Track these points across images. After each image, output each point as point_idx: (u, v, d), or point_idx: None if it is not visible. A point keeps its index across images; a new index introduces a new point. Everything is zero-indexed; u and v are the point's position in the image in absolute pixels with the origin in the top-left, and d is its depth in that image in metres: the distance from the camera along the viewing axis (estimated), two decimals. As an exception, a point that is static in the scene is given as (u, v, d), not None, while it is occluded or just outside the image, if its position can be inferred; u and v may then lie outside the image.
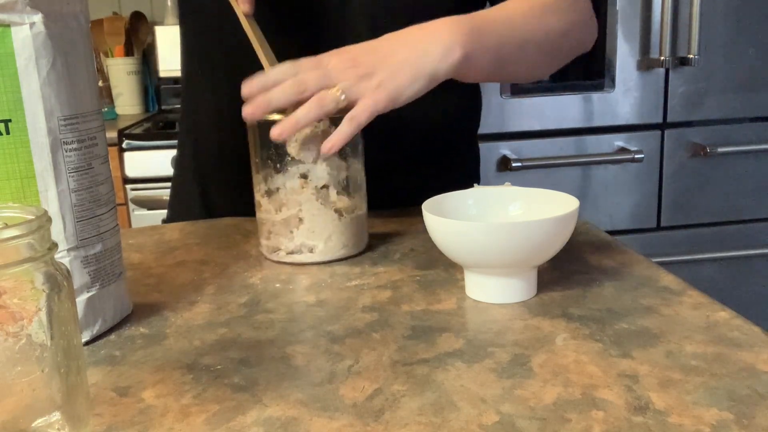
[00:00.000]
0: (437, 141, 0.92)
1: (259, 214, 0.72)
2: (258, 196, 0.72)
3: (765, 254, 1.77)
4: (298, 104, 0.64)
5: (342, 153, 0.69)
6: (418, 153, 0.90)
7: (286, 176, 0.69)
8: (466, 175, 0.96)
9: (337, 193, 0.70)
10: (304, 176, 0.69)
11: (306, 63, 0.66)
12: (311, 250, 0.70)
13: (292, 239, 0.70)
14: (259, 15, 0.74)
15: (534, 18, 0.74)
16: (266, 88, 0.65)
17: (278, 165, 0.69)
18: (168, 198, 1.04)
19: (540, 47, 0.75)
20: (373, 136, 0.72)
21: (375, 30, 0.70)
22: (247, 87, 0.66)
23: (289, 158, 0.68)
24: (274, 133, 0.64)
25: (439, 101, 0.76)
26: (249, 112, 0.65)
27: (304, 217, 0.69)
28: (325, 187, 0.69)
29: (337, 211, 0.70)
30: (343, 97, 0.64)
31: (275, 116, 0.66)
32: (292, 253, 0.70)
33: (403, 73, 0.65)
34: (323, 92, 0.64)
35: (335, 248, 0.70)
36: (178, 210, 0.99)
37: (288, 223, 0.70)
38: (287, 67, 0.66)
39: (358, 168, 0.72)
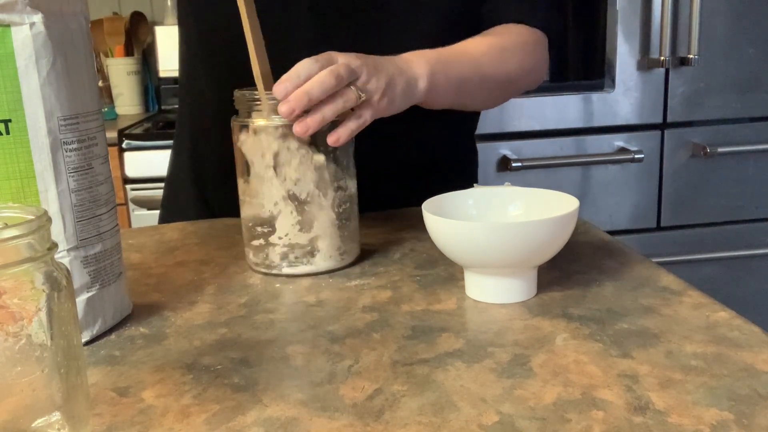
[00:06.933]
0: (437, 144, 0.92)
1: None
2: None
3: (765, 254, 1.76)
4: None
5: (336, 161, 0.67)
6: (418, 156, 0.90)
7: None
8: (465, 176, 0.96)
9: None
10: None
11: (323, 58, 0.64)
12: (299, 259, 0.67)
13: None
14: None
15: (495, 58, 0.80)
16: (300, 85, 0.62)
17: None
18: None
19: (498, 84, 0.82)
20: (373, 141, 0.72)
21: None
22: (281, 86, 0.62)
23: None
24: (299, 130, 0.62)
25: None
26: (288, 108, 0.62)
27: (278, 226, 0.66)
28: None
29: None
30: (362, 94, 0.65)
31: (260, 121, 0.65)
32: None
33: (399, 83, 0.68)
34: (347, 89, 0.64)
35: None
36: (173, 211, 0.99)
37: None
38: (310, 62, 0.63)
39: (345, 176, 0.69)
